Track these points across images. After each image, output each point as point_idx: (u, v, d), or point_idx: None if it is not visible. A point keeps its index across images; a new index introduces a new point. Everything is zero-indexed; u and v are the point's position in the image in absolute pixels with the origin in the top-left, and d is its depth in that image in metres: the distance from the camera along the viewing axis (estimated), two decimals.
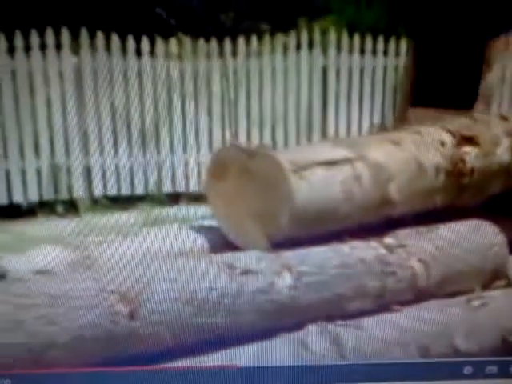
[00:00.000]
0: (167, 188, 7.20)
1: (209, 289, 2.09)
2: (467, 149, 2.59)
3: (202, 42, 7.09)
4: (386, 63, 7.51)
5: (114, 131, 6.99)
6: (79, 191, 6.80)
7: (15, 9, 6.85)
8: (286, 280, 2.19)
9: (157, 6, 6.71)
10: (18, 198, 6.59)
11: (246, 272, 2.15)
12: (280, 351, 2.15)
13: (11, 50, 6.21)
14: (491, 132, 2.70)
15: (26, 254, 2.14)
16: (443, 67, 3.38)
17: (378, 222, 2.43)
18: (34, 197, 6.66)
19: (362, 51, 7.62)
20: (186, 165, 7.32)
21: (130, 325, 1.95)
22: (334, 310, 2.28)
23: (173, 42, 6.90)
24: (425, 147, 2.53)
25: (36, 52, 6.41)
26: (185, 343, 2.06)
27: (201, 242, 2.36)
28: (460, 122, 2.71)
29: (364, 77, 7.61)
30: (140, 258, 2.23)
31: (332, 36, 7.48)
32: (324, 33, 7.77)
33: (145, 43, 6.77)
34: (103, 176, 6.84)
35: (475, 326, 2.39)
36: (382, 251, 2.40)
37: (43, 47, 6.40)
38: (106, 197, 7.01)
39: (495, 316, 2.43)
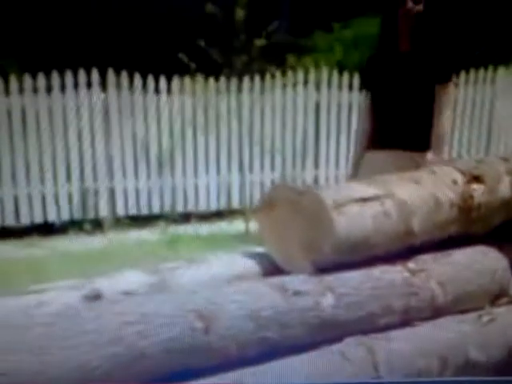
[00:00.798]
0: (180, 208, 7.39)
1: (266, 307, 2.26)
2: (475, 186, 2.76)
3: (213, 80, 7.31)
4: None
5: (135, 158, 7.17)
6: (104, 211, 6.98)
7: (52, 53, 7.04)
8: (329, 300, 2.36)
9: (179, 51, 6.93)
10: (51, 217, 6.76)
11: (297, 293, 2.32)
12: (324, 360, 2.32)
13: (48, 89, 6.40)
14: (494, 171, 2.87)
15: (112, 278, 2.30)
16: (397, 112, 3.52)
17: (402, 250, 2.60)
18: (65, 216, 6.84)
19: (351, 87, 7.85)
20: (196, 187, 7.51)
21: (205, 339, 2.12)
22: (367, 325, 2.45)
23: (187, 80, 7.12)
24: (440, 185, 2.71)
25: (70, 90, 6.60)
26: (246, 355, 2.22)
27: (254, 266, 2.52)
28: (468, 163, 2.88)
29: (352, 110, 7.83)
30: (207, 281, 2.41)
31: (324, 74, 7.71)
32: (316, 67, 7.98)
33: (163, 82, 6.98)
34: (125, 198, 7.01)
35: (486, 340, 2.57)
36: (406, 274, 2.58)
37: (76, 86, 6.59)
38: (127, 216, 7.17)
39: (503, 330, 2.61)
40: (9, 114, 6.37)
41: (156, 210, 7.22)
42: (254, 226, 6.33)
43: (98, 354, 1.94)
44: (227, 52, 7.55)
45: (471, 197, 2.77)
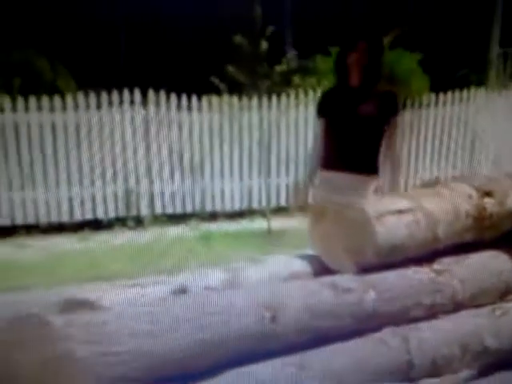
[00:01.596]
0: (209, 207, 7.50)
1: (320, 302, 2.37)
2: (487, 200, 2.86)
3: (237, 99, 7.44)
4: None
5: (171, 165, 7.28)
6: (145, 210, 7.09)
7: (101, 74, 7.16)
8: (371, 296, 2.47)
9: (211, 75, 7.05)
10: (100, 214, 6.87)
11: (346, 290, 2.43)
12: (367, 346, 2.42)
13: (98, 106, 6.51)
14: (502, 187, 2.97)
15: (193, 274, 2.40)
16: (348, 138, 3.53)
17: (429, 253, 2.71)
18: (111, 214, 6.95)
19: None
20: (223, 190, 7.61)
21: (272, 326, 2.23)
22: (401, 317, 2.55)
23: (215, 99, 7.23)
24: (458, 199, 2.81)
25: (116, 106, 6.71)
26: (304, 340, 2.32)
27: (306, 266, 2.63)
28: (481, 181, 2.98)
29: None
30: (268, 278, 2.51)
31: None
32: (320, 86, 8.06)
33: (194, 100, 7.10)
34: (162, 198, 7.12)
35: (499, 330, 2.67)
36: (432, 275, 2.68)
37: (121, 103, 6.70)
38: (164, 214, 7.29)
39: None
40: (65, 127, 6.47)
41: (188, 209, 7.34)
42: (274, 224, 6.46)
43: (191, 338, 2.05)
44: (253, 76, 7.65)
45: (484, 209, 2.87)
